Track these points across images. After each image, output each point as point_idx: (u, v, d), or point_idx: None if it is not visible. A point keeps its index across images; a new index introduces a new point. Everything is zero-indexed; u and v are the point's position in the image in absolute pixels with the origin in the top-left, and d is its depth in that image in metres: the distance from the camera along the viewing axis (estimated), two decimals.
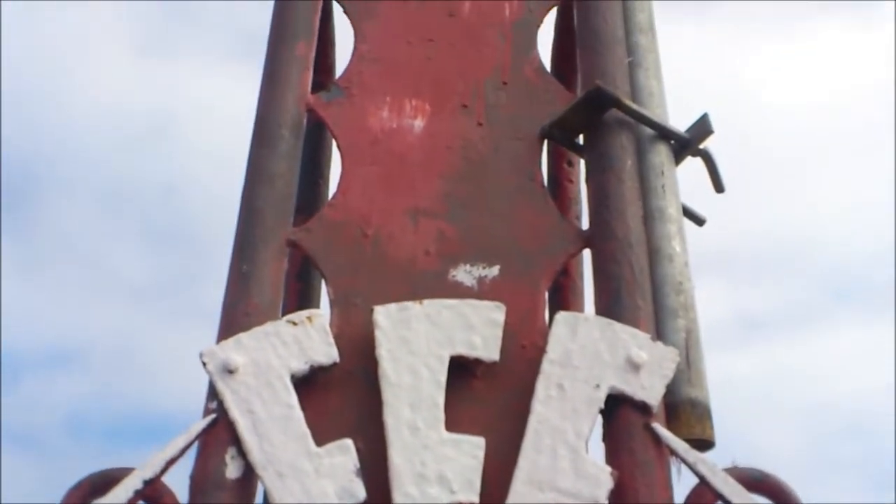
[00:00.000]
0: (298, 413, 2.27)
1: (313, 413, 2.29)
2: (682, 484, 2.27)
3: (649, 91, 2.89)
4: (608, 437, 2.31)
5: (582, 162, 2.92)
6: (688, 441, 2.31)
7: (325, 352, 2.35)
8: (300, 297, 3.19)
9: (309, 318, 2.39)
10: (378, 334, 2.36)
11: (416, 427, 2.24)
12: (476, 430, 2.27)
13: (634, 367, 2.32)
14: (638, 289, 2.51)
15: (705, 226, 2.99)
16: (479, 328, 2.38)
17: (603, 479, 2.20)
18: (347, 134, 2.82)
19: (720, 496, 2.20)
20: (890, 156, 8.97)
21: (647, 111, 2.81)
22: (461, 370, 2.36)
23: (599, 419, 2.31)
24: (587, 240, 2.65)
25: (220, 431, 2.26)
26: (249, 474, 2.23)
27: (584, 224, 2.83)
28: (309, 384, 2.34)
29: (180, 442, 2.24)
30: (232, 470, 2.23)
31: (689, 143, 2.84)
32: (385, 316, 2.38)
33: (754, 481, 2.23)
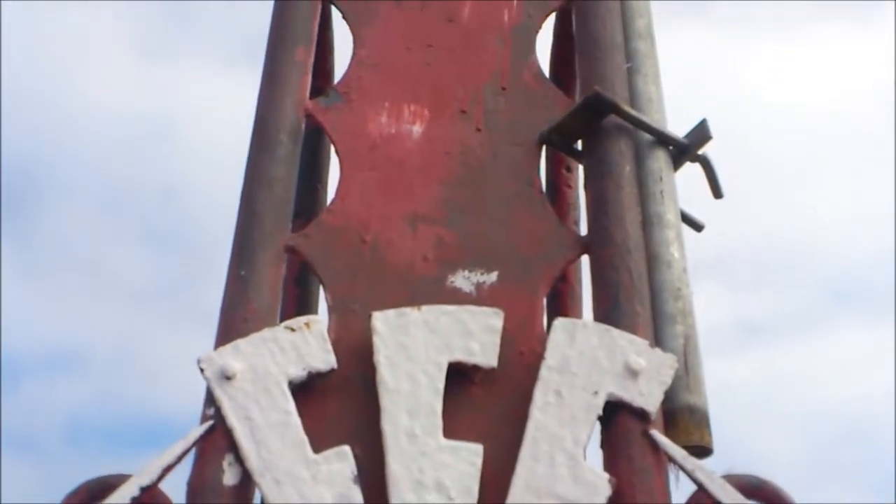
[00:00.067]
0: (296, 420, 2.26)
1: (311, 420, 2.28)
2: (681, 491, 2.27)
3: (648, 97, 2.89)
4: (606, 443, 2.31)
5: (580, 167, 2.92)
6: (686, 448, 2.30)
7: (323, 358, 2.35)
8: (298, 303, 3.19)
9: (307, 325, 2.39)
10: (376, 340, 2.36)
11: (414, 434, 2.24)
12: (474, 437, 2.27)
13: (633, 373, 2.31)
14: (636, 295, 2.50)
15: (704, 230, 2.99)
16: (477, 334, 2.38)
17: (601, 486, 2.20)
18: (346, 139, 2.82)
19: (718, 503, 2.20)
20: (890, 160, 8.97)
21: (646, 117, 2.82)
22: (459, 376, 2.36)
23: (598, 426, 2.30)
24: (586, 246, 2.65)
25: (217, 438, 2.26)
26: (247, 481, 2.22)
27: (583, 229, 2.83)
28: (307, 390, 2.34)
29: (177, 448, 2.24)
30: (229, 477, 2.22)
31: (687, 149, 2.84)
32: (383, 322, 2.38)
33: (752, 488, 2.23)
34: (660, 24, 3.09)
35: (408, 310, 2.40)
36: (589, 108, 2.75)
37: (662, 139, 2.82)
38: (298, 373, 2.33)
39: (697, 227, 2.96)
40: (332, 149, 2.89)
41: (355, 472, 2.22)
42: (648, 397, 2.30)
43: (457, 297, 2.52)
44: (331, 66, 3.29)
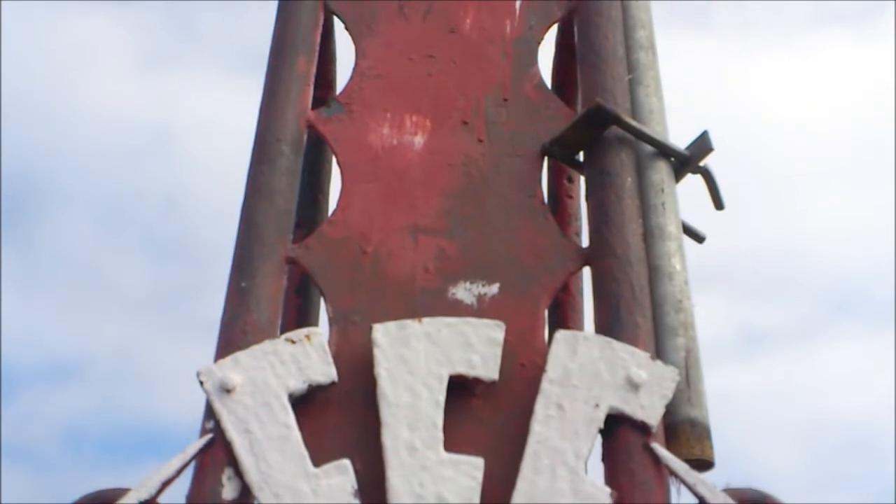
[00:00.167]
0: (296, 433, 2.25)
1: (311, 433, 2.27)
2: None
3: (649, 108, 2.89)
4: (607, 457, 2.30)
5: (582, 178, 2.91)
6: (687, 461, 2.30)
7: (324, 371, 2.34)
8: (299, 312, 3.18)
9: (307, 337, 2.38)
10: (377, 353, 2.35)
11: (415, 447, 2.23)
12: (475, 451, 2.26)
13: (634, 386, 2.31)
14: (637, 307, 2.50)
15: (705, 241, 2.98)
16: (478, 347, 2.37)
17: (602, 499, 2.19)
18: (347, 150, 2.82)
19: None
20: (890, 170, 8.97)
21: (648, 128, 2.81)
22: (460, 389, 2.35)
23: (599, 439, 2.30)
24: (587, 257, 2.64)
25: (216, 452, 2.25)
26: (246, 495, 2.21)
27: (584, 240, 2.82)
28: (307, 403, 2.33)
29: (176, 462, 2.23)
30: (228, 491, 2.21)
31: (689, 161, 2.84)
32: (384, 334, 2.37)
33: (754, 502, 2.22)
34: (661, 34, 3.09)
35: (409, 322, 2.39)
36: (591, 120, 2.74)
37: (664, 151, 2.82)
38: (299, 385, 2.32)
39: (699, 238, 2.95)
40: (334, 160, 2.89)
41: (355, 486, 2.21)
42: (650, 410, 2.29)
43: (458, 309, 2.51)
44: (333, 77, 3.29)
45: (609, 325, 2.47)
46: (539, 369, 2.35)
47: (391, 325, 2.39)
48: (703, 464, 2.40)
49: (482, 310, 2.52)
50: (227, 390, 2.28)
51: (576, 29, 3.04)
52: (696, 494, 2.22)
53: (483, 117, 2.87)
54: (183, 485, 2.24)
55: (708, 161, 2.87)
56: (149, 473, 2.20)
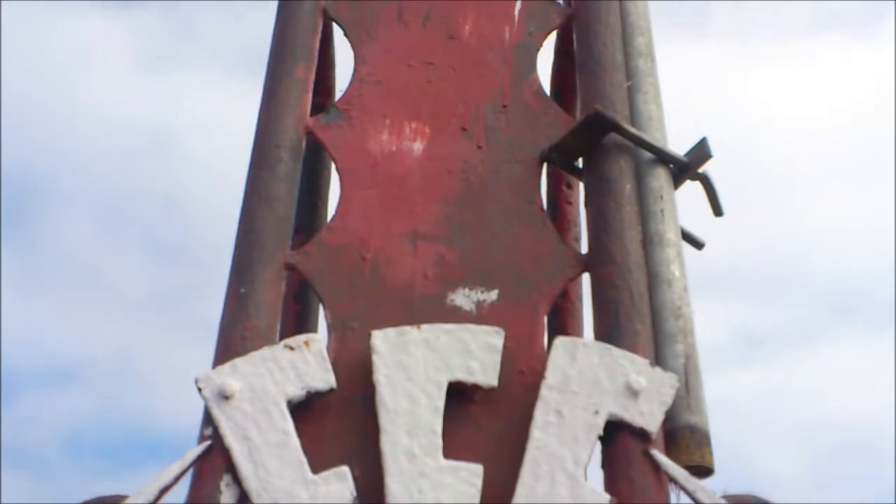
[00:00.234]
0: (294, 440, 2.25)
1: (310, 439, 2.27)
2: None
3: (648, 115, 2.89)
4: (607, 463, 2.30)
5: (581, 185, 2.91)
6: (687, 468, 2.29)
7: (323, 377, 2.34)
8: (298, 319, 3.18)
9: (306, 343, 2.38)
10: (375, 359, 2.35)
11: (414, 454, 2.23)
12: (474, 457, 2.26)
13: (633, 393, 2.30)
14: (637, 313, 2.49)
15: (704, 247, 2.98)
16: (477, 353, 2.37)
17: None
18: (346, 157, 2.82)
19: None
20: (890, 174, 8.98)
21: (647, 135, 2.81)
22: (459, 396, 2.35)
23: (598, 446, 2.29)
24: (586, 264, 2.64)
25: (215, 458, 2.25)
26: (244, 502, 2.21)
27: (583, 244, 2.82)
28: (305, 410, 2.33)
29: (174, 469, 2.23)
30: (227, 497, 2.21)
31: (687, 168, 2.84)
32: (383, 340, 2.37)
33: None
34: (659, 38, 3.10)
35: (408, 328, 2.39)
36: (590, 126, 2.74)
37: (663, 157, 2.82)
38: (297, 392, 2.32)
39: (698, 244, 2.95)
40: (333, 166, 2.89)
41: (354, 493, 2.21)
42: (649, 417, 2.29)
43: (457, 316, 2.51)
44: (332, 83, 3.29)
45: (608, 331, 2.47)
46: (538, 376, 2.35)
47: (390, 332, 2.38)
48: (703, 470, 2.39)
49: (481, 316, 2.52)
50: (225, 397, 2.28)
51: (575, 35, 3.05)
52: (695, 501, 2.22)
53: (482, 124, 2.87)
54: (181, 491, 2.24)
55: (707, 167, 2.87)
56: (147, 479, 2.20)
